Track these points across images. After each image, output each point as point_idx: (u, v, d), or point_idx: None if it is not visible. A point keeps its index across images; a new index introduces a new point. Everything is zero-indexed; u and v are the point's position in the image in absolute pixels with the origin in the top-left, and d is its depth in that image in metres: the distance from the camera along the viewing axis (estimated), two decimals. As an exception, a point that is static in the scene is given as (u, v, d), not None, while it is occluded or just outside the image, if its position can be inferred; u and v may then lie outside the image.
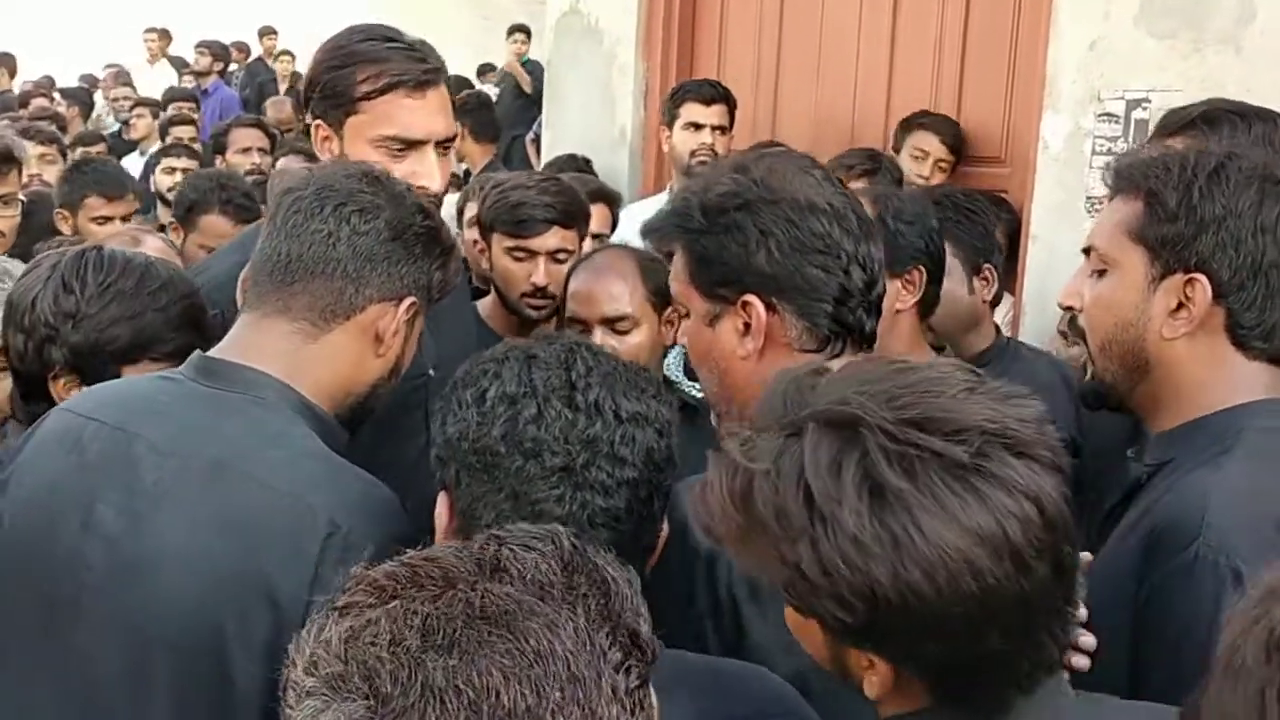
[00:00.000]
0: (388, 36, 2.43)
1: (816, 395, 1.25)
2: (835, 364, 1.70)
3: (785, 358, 1.72)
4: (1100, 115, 4.09)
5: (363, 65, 2.38)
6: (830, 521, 1.17)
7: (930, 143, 4.53)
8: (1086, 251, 1.87)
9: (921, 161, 4.49)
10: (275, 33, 14.75)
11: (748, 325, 1.75)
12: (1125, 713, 1.40)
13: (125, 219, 4.55)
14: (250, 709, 1.60)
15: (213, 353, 1.84)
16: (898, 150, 4.60)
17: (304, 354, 1.81)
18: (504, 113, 9.87)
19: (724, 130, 4.51)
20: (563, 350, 1.51)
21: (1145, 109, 4.01)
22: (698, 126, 4.50)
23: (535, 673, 0.98)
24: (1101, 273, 1.82)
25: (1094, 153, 4.06)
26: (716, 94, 4.55)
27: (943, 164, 4.51)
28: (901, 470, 1.17)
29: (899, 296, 2.50)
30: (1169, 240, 1.72)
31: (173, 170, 6.03)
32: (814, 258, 1.73)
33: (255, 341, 1.83)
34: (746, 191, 1.76)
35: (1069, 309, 1.90)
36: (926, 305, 2.58)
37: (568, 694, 0.98)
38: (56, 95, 12.18)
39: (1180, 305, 1.74)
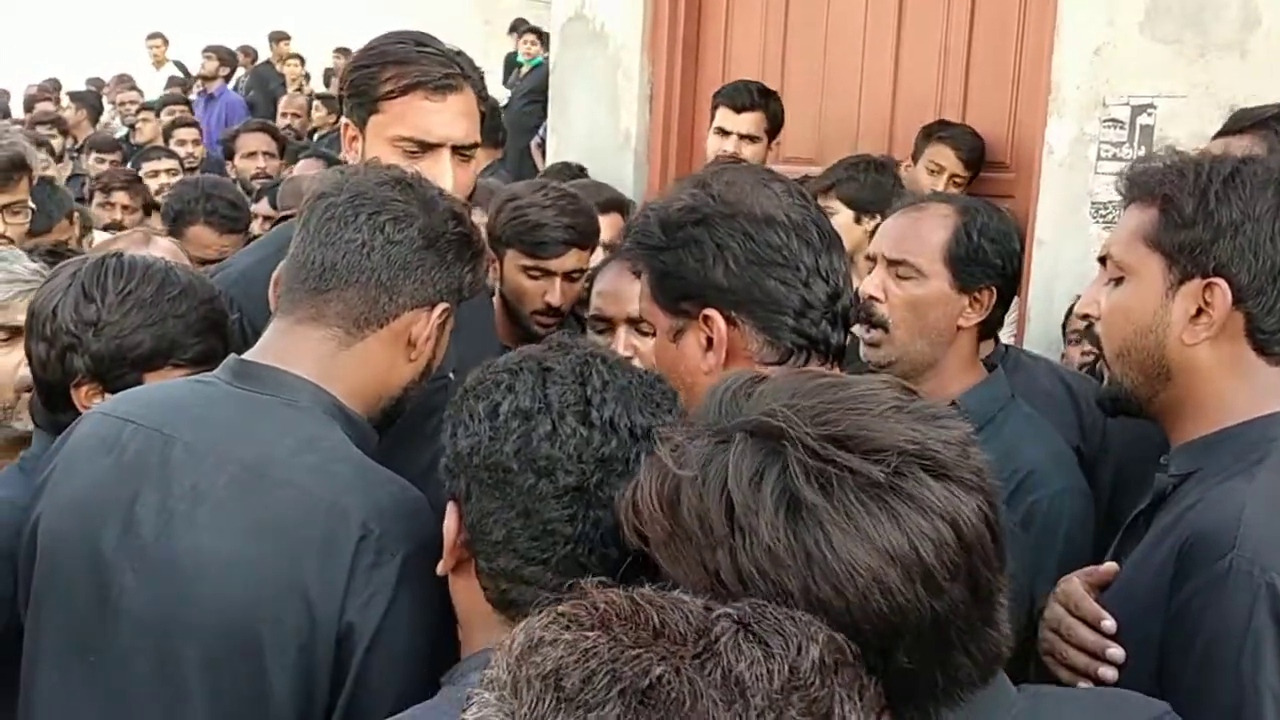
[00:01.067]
0: (422, 42, 2.45)
1: (750, 404, 1.25)
2: (775, 373, 1.72)
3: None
4: (1105, 121, 4.10)
5: (388, 65, 2.40)
6: (748, 532, 1.17)
7: (947, 157, 4.48)
8: (1102, 260, 1.87)
9: (937, 176, 4.44)
10: (288, 38, 14.78)
11: (710, 340, 1.75)
12: (1068, 702, 1.41)
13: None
14: (284, 712, 1.61)
15: (248, 356, 1.84)
16: (916, 159, 4.56)
17: (338, 360, 1.82)
18: (514, 118, 9.88)
19: (753, 139, 4.45)
20: (578, 363, 1.48)
21: (1150, 115, 4.02)
22: (724, 133, 4.48)
23: None
24: (1118, 281, 1.81)
25: (1099, 158, 4.07)
26: (751, 102, 4.48)
27: (958, 179, 4.46)
28: (818, 486, 1.16)
29: (964, 313, 2.46)
30: (1186, 246, 1.72)
31: (155, 174, 6.03)
32: (772, 270, 1.72)
33: (289, 346, 1.83)
34: (703, 206, 1.76)
35: (1086, 318, 1.88)
36: (989, 326, 2.55)
37: None
38: (64, 98, 12.21)
39: (1200, 311, 1.73)
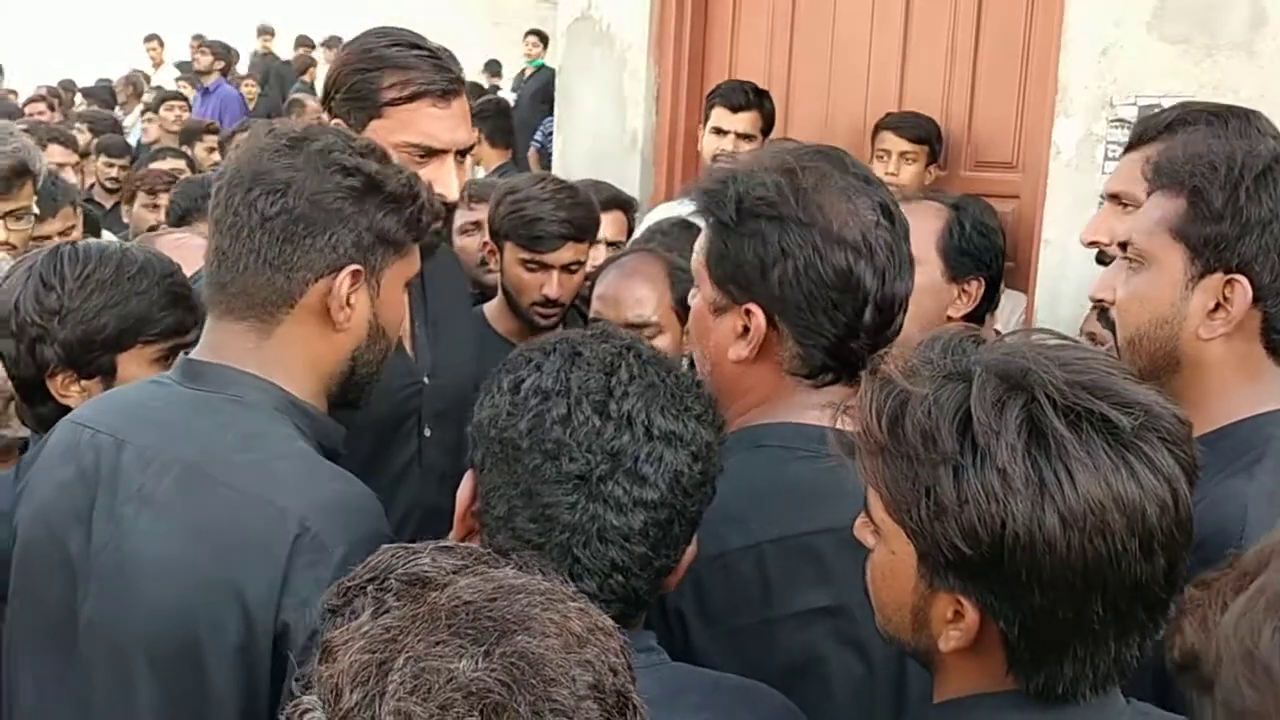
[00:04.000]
0: (413, 43, 2.45)
1: (982, 352, 1.29)
2: (818, 390, 1.71)
3: (772, 374, 1.71)
4: (1113, 121, 4.09)
5: (390, 71, 2.39)
6: (982, 451, 1.20)
7: (888, 140, 4.51)
8: (1123, 245, 1.85)
9: (885, 160, 4.47)
10: (272, 33, 14.87)
11: (746, 330, 1.73)
12: None
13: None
14: (228, 713, 1.61)
15: (194, 354, 1.83)
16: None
17: (265, 350, 1.78)
18: (522, 118, 9.88)
19: (751, 139, 4.49)
20: (610, 352, 1.45)
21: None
22: (721, 132, 4.51)
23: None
24: (1137, 267, 1.80)
25: (1106, 158, 4.06)
26: (746, 101, 4.52)
27: (909, 156, 4.46)
28: (1066, 421, 1.20)
29: (954, 303, 2.51)
30: (1212, 240, 1.70)
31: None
32: (828, 293, 1.69)
33: (221, 342, 1.80)
34: (783, 204, 1.70)
35: (1099, 302, 1.87)
36: (978, 317, 2.58)
37: None
38: (78, 97, 12.25)
39: (1218, 305, 1.73)
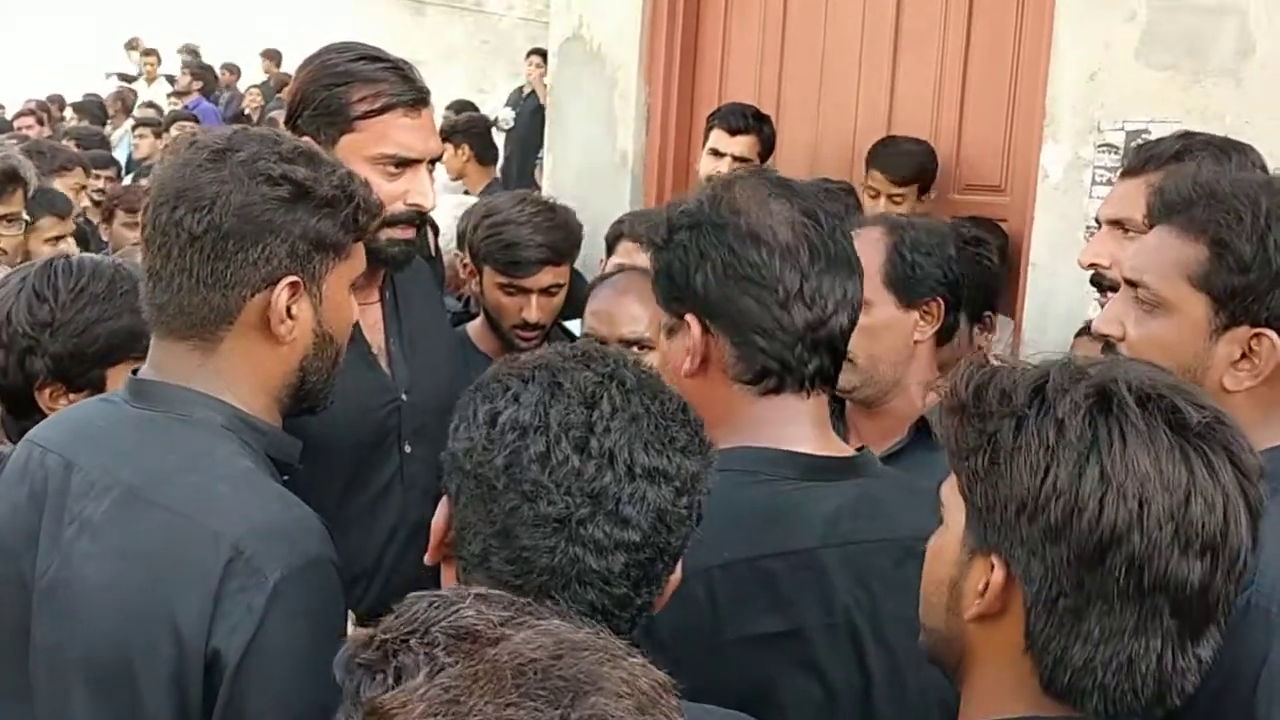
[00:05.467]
0: (376, 56, 2.45)
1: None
2: (769, 402, 1.69)
3: (721, 385, 1.71)
4: (1100, 146, 4.10)
5: (358, 85, 2.39)
6: (1048, 405, 1.23)
7: (878, 179, 4.49)
8: (1130, 282, 1.80)
9: (876, 200, 4.46)
10: (277, 56, 14.88)
11: (691, 345, 1.74)
12: None
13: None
14: None
15: (142, 372, 1.80)
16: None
17: (210, 368, 1.75)
18: (521, 135, 9.89)
19: (747, 161, 4.48)
20: (593, 381, 1.37)
21: (1145, 140, 4.02)
22: (718, 154, 4.52)
23: None
24: (1151, 310, 1.75)
25: (1094, 183, 4.07)
26: (745, 125, 4.52)
27: (895, 197, 4.45)
28: (1136, 397, 1.23)
29: (917, 327, 2.51)
30: (1239, 292, 1.66)
31: None
32: (747, 288, 1.69)
33: (167, 360, 1.77)
34: (700, 213, 1.74)
35: (1105, 337, 1.82)
36: (945, 333, 2.58)
37: None
38: (68, 111, 12.26)
39: (1244, 356, 1.69)
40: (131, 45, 15.89)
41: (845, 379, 2.45)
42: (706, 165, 4.53)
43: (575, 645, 0.97)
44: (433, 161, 2.51)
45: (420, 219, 2.48)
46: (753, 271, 1.69)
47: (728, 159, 4.48)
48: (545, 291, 3.25)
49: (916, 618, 1.57)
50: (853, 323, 1.76)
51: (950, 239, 2.65)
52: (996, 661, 1.30)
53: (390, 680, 0.97)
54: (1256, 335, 1.67)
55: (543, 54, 11.20)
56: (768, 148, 4.59)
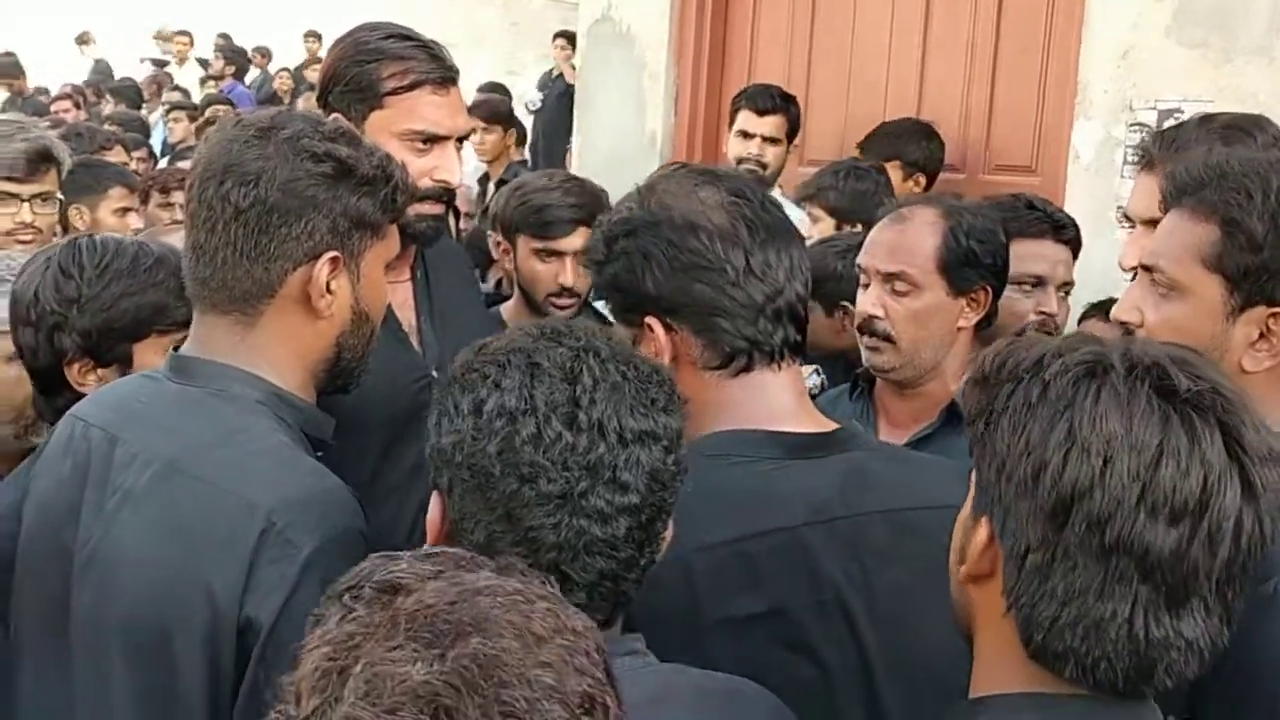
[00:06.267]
0: (406, 35, 2.48)
1: None
2: (743, 382, 1.70)
3: (693, 377, 1.70)
4: (1132, 125, 4.09)
5: (388, 61, 2.42)
6: (1039, 371, 1.25)
7: (894, 171, 4.44)
8: (1146, 268, 1.78)
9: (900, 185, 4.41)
10: (320, 37, 14.96)
11: (657, 347, 1.74)
12: None
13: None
14: (195, 704, 1.62)
15: (183, 348, 1.84)
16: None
17: (249, 342, 1.78)
18: (549, 117, 9.90)
19: (776, 141, 4.50)
20: (569, 356, 1.39)
21: (1177, 118, 3.99)
22: (747, 135, 4.52)
23: None
24: (1167, 293, 1.74)
25: (1125, 162, 4.05)
26: (773, 105, 4.52)
27: (917, 183, 4.47)
28: (1127, 366, 1.22)
29: (963, 314, 2.48)
30: (1253, 272, 1.65)
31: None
32: (698, 274, 1.69)
33: (207, 336, 1.81)
34: (633, 218, 1.75)
35: (1124, 324, 1.80)
36: (987, 319, 2.56)
37: None
38: (106, 95, 12.35)
39: (1262, 336, 1.67)
40: (161, 35, 15.98)
41: (886, 359, 2.48)
42: (736, 147, 4.53)
43: (477, 592, 1.02)
44: (460, 139, 2.52)
45: (448, 195, 2.51)
46: (697, 258, 1.70)
47: (757, 139, 4.48)
48: (579, 254, 3.25)
49: (917, 590, 1.57)
50: (806, 287, 1.76)
51: (1000, 227, 2.59)
52: (989, 627, 1.30)
53: (318, 628, 1.04)
54: (1274, 314, 1.66)
55: (569, 36, 11.20)
56: (794, 127, 4.59)
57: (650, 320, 1.73)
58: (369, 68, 2.42)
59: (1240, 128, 2.20)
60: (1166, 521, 1.18)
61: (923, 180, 4.53)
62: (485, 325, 2.93)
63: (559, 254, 3.23)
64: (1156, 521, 1.18)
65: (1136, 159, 2.32)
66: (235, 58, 14.19)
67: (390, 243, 1.88)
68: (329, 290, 1.78)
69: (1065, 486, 1.19)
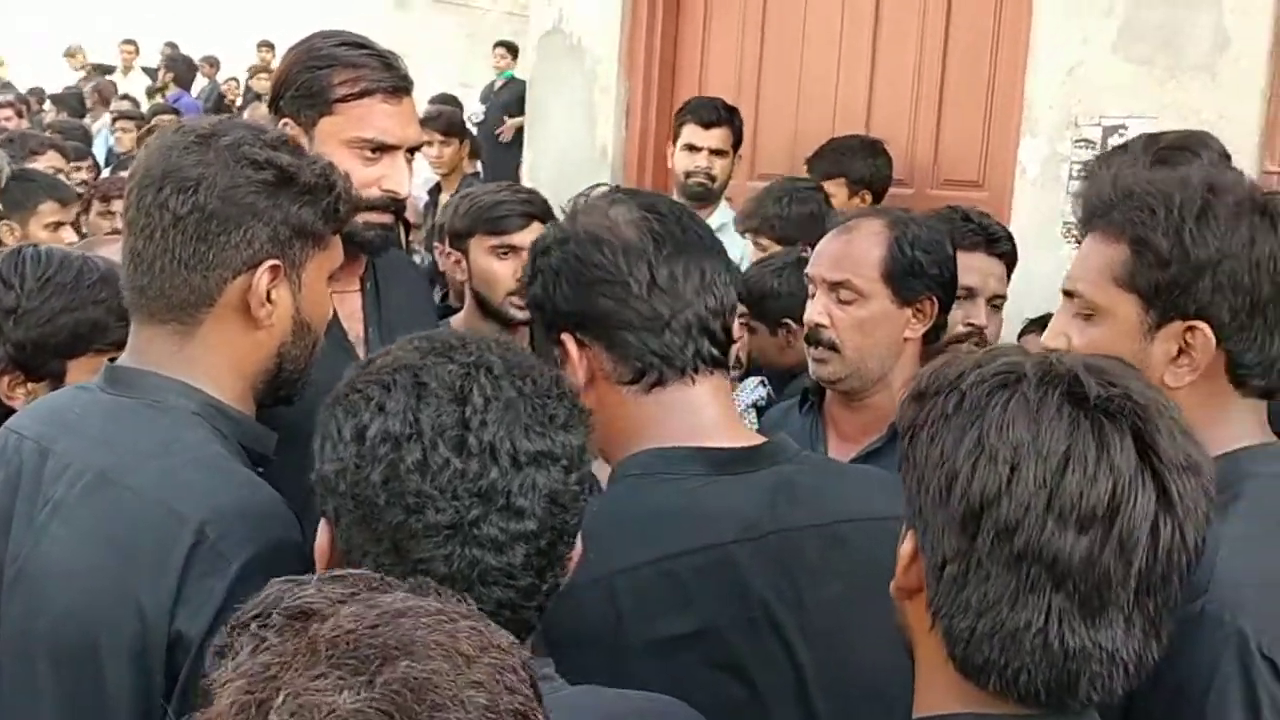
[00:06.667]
0: (360, 43, 2.46)
1: None
2: (658, 398, 1.68)
3: (611, 394, 1.70)
4: (1077, 141, 4.13)
5: (340, 68, 2.40)
6: (959, 383, 1.25)
7: (837, 186, 4.48)
8: (1068, 294, 1.79)
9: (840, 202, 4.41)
10: (272, 46, 14.91)
11: (571, 364, 1.74)
12: None
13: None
14: (121, 717, 1.58)
15: (120, 359, 1.81)
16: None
17: (187, 353, 1.75)
18: (491, 129, 9.90)
19: (722, 154, 4.51)
20: (459, 375, 1.30)
21: (1122, 135, 4.04)
22: (694, 149, 4.52)
23: None
24: (1089, 316, 1.75)
25: (1070, 178, 4.10)
26: (717, 117, 4.53)
27: (862, 198, 4.49)
28: (1039, 375, 1.22)
29: (909, 324, 2.47)
30: (1164, 288, 1.65)
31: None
32: (602, 290, 1.68)
33: (143, 347, 1.78)
34: (546, 237, 1.77)
35: (1053, 351, 1.82)
36: (934, 333, 2.56)
37: None
38: (47, 104, 12.23)
39: (1181, 352, 1.67)
40: (70, 54, 15.83)
41: (831, 369, 2.47)
42: (683, 161, 4.53)
43: (397, 614, 0.97)
44: (411, 151, 2.50)
45: (396, 206, 2.49)
46: (601, 273, 1.69)
47: (704, 152, 4.48)
48: None
49: (851, 604, 1.56)
50: (722, 301, 1.74)
51: (947, 238, 2.60)
52: (923, 642, 1.29)
53: (226, 661, 0.98)
54: (1190, 329, 1.65)
55: (508, 45, 11.22)
56: (739, 139, 4.60)
57: (564, 336, 1.72)
58: (321, 74, 2.40)
59: (1185, 147, 2.22)
60: (1075, 529, 1.17)
61: (868, 197, 4.52)
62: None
63: (515, 249, 3.22)
64: (1065, 529, 1.17)
65: (1082, 176, 2.34)
66: (177, 66, 14.10)
67: (333, 253, 1.85)
68: (269, 299, 1.75)
69: (974, 495, 1.19)
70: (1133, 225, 1.68)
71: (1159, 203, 1.67)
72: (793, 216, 3.89)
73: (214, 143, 1.74)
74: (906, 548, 1.29)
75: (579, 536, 1.38)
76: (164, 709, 1.57)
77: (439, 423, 1.27)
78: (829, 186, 4.51)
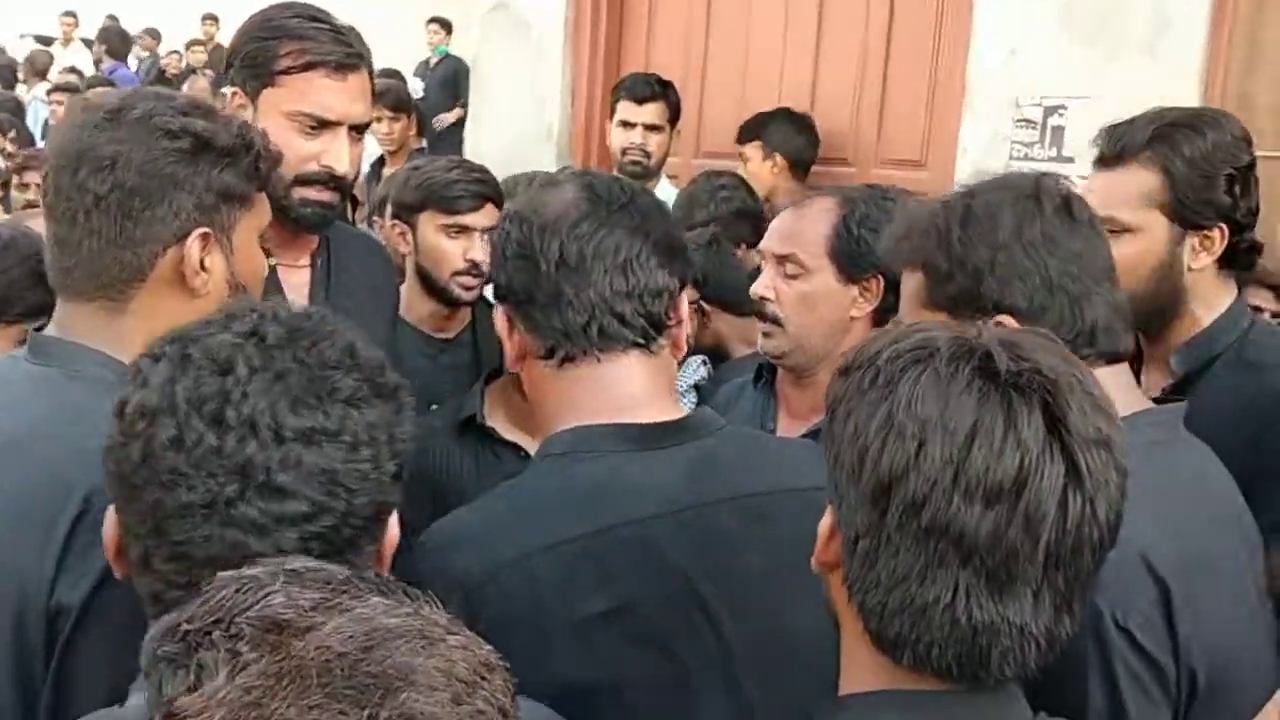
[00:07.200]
0: (315, 16, 2.42)
1: None
2: (572, 375, 1.68)
3: (532, 368, 1.72)
4: (1018, 121, 4.15)
5: (286, 40, 2.37)
6: (876, 358, 1.25)
7: (753, 152, 4.66)
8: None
9: (756, 180, 4.50)
10: (217, 20, 14.73)
11: (507, 340, 1.77)
12: None
13: None
14: (5, 690, 1.56)
15: (46, 329, 1.78)
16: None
17: (117, 327, 1.72)
18: (429, 106, 9.84)
19: (658, 129, 4.48)
20: (229, 344, 1.22)
21: (1062, 115, 4.07)
22: (628, 125, 4.50)
23: None
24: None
25: (1011, 158, 4.12)
26: (651, 92, 4.50)
27: (790, 173, 4.63)
28: (951, 352, 1.21)
29: (855, 303, 2.47)
30: (959, 297, 1.72)
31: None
32: (521, 266, 1.71)
33: (70, 320, 1.76)
34: (503, 212, 1.81)
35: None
36: (883, 314, 2.56)
37: None
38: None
39: None
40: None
41: (775, 344, 2.48)
42: (618, 138, 4.50)
43: (389, 633, 0.90)
44: (358, 129, 2.45)
45: (336, 182, 2.45)
46: (520, 249, 1.71)
47: (639, 128, 4.45)
48: (485, 232, 3.21)
49: (775, 576, 1.56)
50: (638, 281, 1.71)
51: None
52: (845, 617, 1.29)
53: (192, 678, 0.89)
54: (998, 323, 1.68)
55: (441, 21, 11.13)
56: (675, 113, 4.57)
57: (499, 312, 1.75)
58: (267, 44, 2.37)
59: (1190, 125, 2.23)
60: (982, 504, 1.16)
61: (781, 162, 4.64)
62: (383, 326, 2.87)
63: (466, 229, 3.18)
64: (972, 504, 1.16)
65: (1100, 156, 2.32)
66: (111, 38, 13.91)
67: (260, 211, 1.84)
68: (203, 268, 1.73)
69: (883, 471, 1.19)
70: (919, 252, 1.77)
71: (929, 224, 1.76)
72: (723, 216, 3.90)
73: (124, 117, 1.71)
74: (825, 523, 1.29)
75: (393, 520, 1.30)
76: (44, 678, 1.54)
77: (197, 395, 1.20)
78: (747, 150, 4.70)
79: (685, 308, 1.76)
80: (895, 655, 1.23)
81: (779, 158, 4.66)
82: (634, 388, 1.70)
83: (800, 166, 4.71)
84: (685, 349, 1.81)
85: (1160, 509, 1.52)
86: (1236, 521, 1.78)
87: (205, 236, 1.73)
